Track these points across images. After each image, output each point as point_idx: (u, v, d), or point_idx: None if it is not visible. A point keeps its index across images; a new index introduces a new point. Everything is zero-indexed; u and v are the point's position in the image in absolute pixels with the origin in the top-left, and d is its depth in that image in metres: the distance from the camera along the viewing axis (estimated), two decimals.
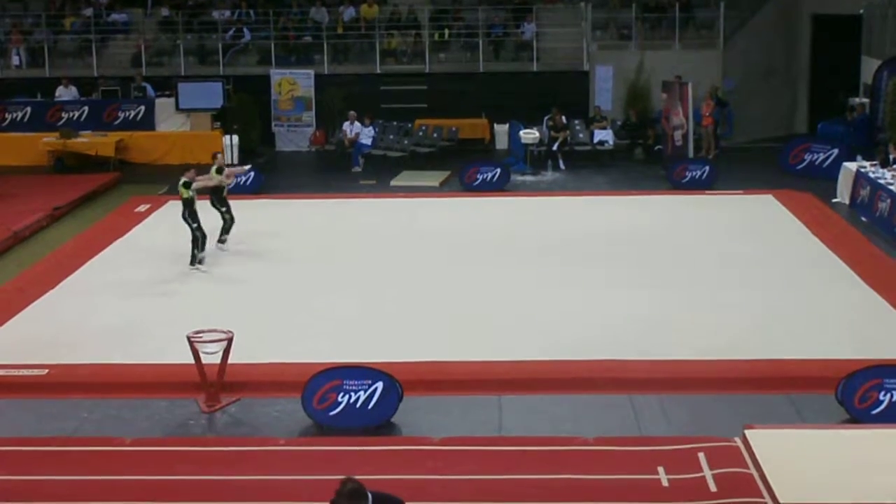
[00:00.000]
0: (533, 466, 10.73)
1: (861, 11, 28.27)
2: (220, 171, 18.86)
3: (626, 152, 26.88)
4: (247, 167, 22.22)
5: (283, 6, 30.83)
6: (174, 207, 22.14)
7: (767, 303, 15.53)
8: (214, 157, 19.46)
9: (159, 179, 25.06)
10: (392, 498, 7.65)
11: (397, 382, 12.04)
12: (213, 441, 11.75)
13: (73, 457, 11.25)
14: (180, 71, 29.26)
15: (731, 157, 26.39)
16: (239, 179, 23.72)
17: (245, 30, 30.15)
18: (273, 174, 25.34)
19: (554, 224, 20.46)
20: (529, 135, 25.46)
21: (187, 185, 17.62)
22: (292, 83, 28.60)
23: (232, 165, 21.69)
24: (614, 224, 20.20)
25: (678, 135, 25.32)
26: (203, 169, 19.36)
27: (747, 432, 10.97)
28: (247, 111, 27.81)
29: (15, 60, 29.93)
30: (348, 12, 30.19)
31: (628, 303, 15.59)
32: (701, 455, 10.76)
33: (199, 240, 17.70)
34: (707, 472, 10.44)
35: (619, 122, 27.61)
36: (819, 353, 13.56)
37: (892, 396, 11.74)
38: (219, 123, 27.52)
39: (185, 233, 20.09)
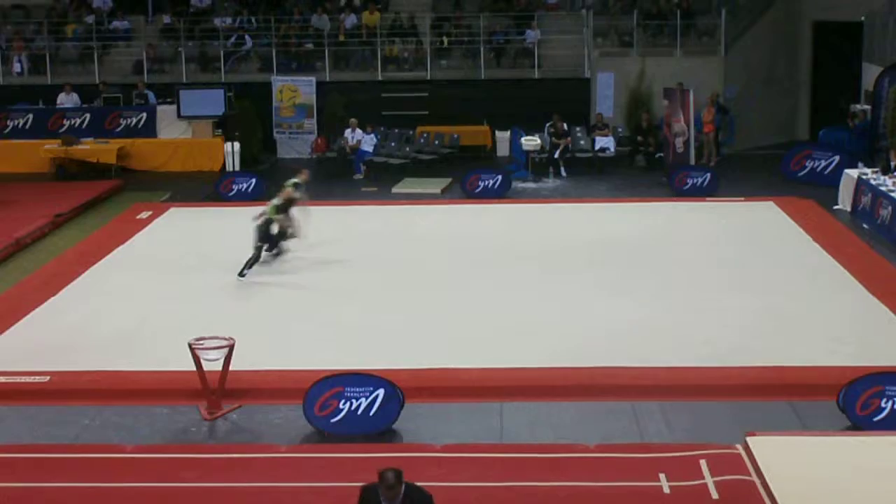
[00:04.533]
0: (534, 473, 10.72)
1: (862, 18, 28.29)
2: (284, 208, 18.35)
3: (628, 159, 26.89)
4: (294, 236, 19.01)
5: (285, 13, 30.86)
6: (176, 215, 22.24)
7: (769, 309, 15.52)
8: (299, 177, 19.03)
9: (161, 186, 25.12)
10: (421, 490, 8.34)
11: (399, 389, 12.04)
12: (214, 448, 11.74)
13: (75, 464, 11.25)
14: (182, 78, 29.30)
15: (733, 164, 26.40)
16: (240, 186, 23.79)
17: (246, 37, 30.17)
18: (274, 181, 25.27)
19: (555, 231, 20.46)
20: (531, 142, 25.46)
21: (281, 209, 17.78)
22: (294, 90, 28.63)
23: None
24: (616, 231, 20.20)
25: (679, 142, 25.34)
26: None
27: (749, 439, 10.97)
28: (248, 118, 27.84)
29: (17, 67, 29.95)
30: (350, 19, 30.21)
31: (630, 310, 15.57)
32: (702, 462, 10.75)
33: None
34: (709, 479, 10.43)
35: (620, 130, 27.61)
36: (821, 360, 13.56)
37: (893, 404, 11.72)
38: (220, 131, 27.55)
39: (187, 240, 20.20)
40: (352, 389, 11.94)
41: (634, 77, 28.06)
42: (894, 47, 26.22)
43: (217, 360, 12.42)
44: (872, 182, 20.76)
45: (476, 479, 10.65)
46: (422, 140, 27.66)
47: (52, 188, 24.81)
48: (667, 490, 10.35)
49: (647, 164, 26.53)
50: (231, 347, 12.44)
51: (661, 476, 10.55)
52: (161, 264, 18.58)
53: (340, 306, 16.07)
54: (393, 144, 27.18)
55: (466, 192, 23.76)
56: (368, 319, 15.46)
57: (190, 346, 12.43)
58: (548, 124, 26.47)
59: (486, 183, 23.73)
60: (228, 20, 30.56)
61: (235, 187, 23.81)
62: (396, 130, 27.65)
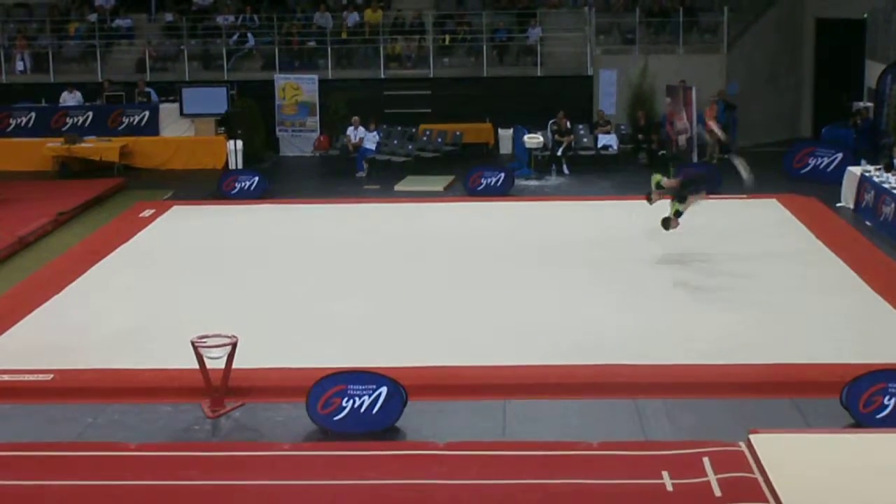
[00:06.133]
0: (537, 471, 10.72)
1: (865, 15, 28.27)
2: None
3: (631, 157, 26.89)
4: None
5: (287, 11, 30.88)
6: (178, 213, 22.25)
7: (772, 307, 15.52)
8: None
9: (163, 185, 25.14)
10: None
11: (401, 387, 12.04)
12: (217, 446, 11.74)
13: (78, 462, 11.25)
14: (185, 76, 29.33)
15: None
16: (243, 184, 23.79)
17: (249, 35, 30.19)
18: (277, 179, 25.37)
19: (558, 228, 20.46)
20: (533, 139, 25.47)
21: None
22: (296, 88, 28.63)
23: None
24: (618, 228, 20.20)
25: (682, 139, 25.34)
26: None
27: (752, 437, 10.96)
28: (251, 116, 27.86)
29: (19, 66, 29.97)
30: (352, 17, 30.22)
31: (632, 307, 15.57)
32: (706, 459, 10.74)
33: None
34: (712, 477, 10.43)
35: (623, 127, 27.60)
36: (823, 358, 13.55)
37: None
38: (223, 129, 27.57)
39: (190, 238, 20.16)
40: (355, 387, 11.94)
41: (637, 75, 28.05)
42: None
43: (220, 357, 12.42)
44: (875, 179, 20.75)
45: (478, 477, 10.65)
46: (424, 138, 27.67)
47: (54, 186, 24.83)
48: (670, 488, 10.35)
49: (649, 162, 26.52)
50: (234, 345, 12.44)
51: (664, 474, 10.54)
52: (164, 262, 18.59)
53: (343, 304, 16.06)
54: (395, 142, 27.19)
55: (469, 189, 23.77)
56: (371, 317, 15.46)
57: (193, 344, 12.43)
58: (551, 122, 26.46)
59: (489, 181, 23.73)
60: (231, 18, 30.59)
61: (238, 185, 23.82)
62: (399, 128, 27.65)
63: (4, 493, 10.51)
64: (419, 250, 19.06)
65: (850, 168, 22.23)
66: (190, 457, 11.37)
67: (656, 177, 18.48)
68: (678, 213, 17.69)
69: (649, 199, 18.48)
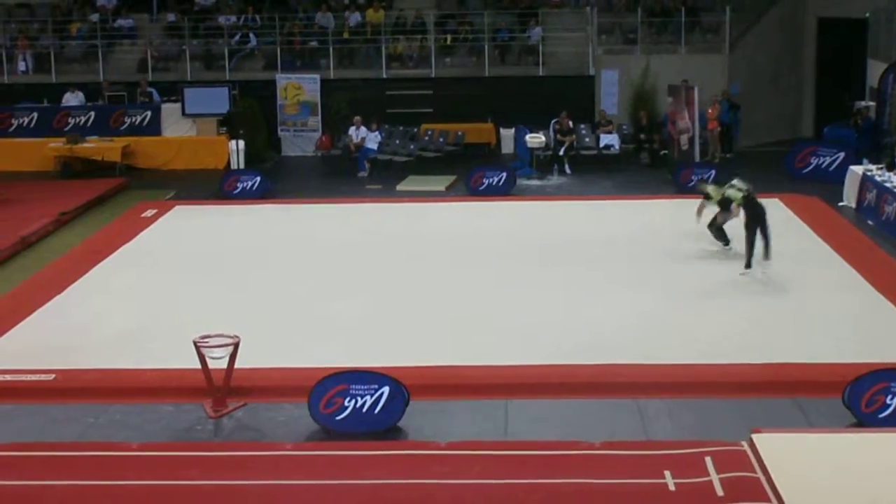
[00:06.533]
0: (539, 471, 10.72)
1: (867, 15, 28.27)
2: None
3: (633, 156, 26.90)
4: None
5: (289, 11, 30.88)
6: (180, 213, 22.25)
7: (774, 306, 15.52)
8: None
9: (166, 185, 25.15)
10: None
11: (403, 387, 12.04)
12: (219, 446, 11.75)
13: (80, 462, 11.26)
14: (186, 76, 29.34)
15: (738, 160, 26.35)
16: (245, 184, 23.80)
17: (251, 35, 30.20)
18: (279, 179, 25.38)
19: (560, 228, 20.46)
20: (535, 139, 25.47)
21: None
22: (298, 88, 28.63)
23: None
24: (620, 228, 20.21)
25: (684, 139, 25.34)
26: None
27: (754, 436, 10.96)
28: (253, 116, 27.87)
29: (21, 66, 30.00)
30: (354, 17, 30.23)
31: (634, 306, 15.57)
32: (708, 459, 10.74)
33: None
34: (714, 477, 10.43)
35: (625, 127, 27.60)
36: (826, 357, 13.54)
37: None
38: (225, 129, 27.57)
39: (192, 238, 20.20)
40: (357, 387, 11.95)
41: (639, 74, 28.04)
42: None
43: (222, 357, 12.43)
44: (877, 179, 20.75)
45: (480, 477, 10.65)
46: (426, 137, 27.67)
47: (56, 186, 24.84)
48: (672, 487, 10.35)
49: (651, 162, 26.52)
50: (236, 345, 12.44)
51: (667, 473, 10.54)
52: (165, 262, 18.60)
53: (345, 304, 16.07)
54: (397, 142, 27.19)
55: (471, 189, 23.77)
56: (373, 317, 15.47)
57: (195, 344, 12.43)
58: (553, 121, 26.46)
59: (491, 180, 23.74)
60: (233, 18, 30.60)
61: (240, 185, 23.83)
62: (401, 128, 27.67)
63: (7, 493, 10.52)
64: (421, 250, 19.06)
65: (852, 167, 22.23)
66: (192, 457, 11.37)
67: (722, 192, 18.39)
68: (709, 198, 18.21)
69: (707, 197, 18.53)
